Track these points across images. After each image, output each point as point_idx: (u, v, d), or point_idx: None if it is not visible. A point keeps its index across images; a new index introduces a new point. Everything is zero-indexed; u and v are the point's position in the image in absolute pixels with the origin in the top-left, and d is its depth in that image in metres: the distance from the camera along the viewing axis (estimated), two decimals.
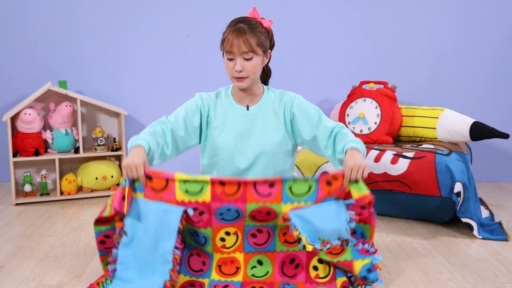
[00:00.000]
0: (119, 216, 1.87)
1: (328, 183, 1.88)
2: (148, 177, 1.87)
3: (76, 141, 3.33)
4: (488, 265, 2.21)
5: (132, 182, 1.89)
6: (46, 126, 3.35)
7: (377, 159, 2.77)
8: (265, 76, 2.26)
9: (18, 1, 3.52)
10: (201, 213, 1.90)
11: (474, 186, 2.78)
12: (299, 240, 1.83)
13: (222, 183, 1.85)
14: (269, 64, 2.24)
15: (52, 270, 2.16)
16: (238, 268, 1.98)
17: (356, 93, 3.28)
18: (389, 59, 3.65)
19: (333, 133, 2.07)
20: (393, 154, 2.78)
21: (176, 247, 1.82)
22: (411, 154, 2.75)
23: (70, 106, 3.27)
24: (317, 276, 1.96)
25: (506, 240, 2.51)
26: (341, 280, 1.93)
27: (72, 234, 2.61)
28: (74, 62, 3.60)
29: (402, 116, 3.23)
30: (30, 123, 3.17)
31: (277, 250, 1.99)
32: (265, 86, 2.23)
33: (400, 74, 3.65)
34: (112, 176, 3.33)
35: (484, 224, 2.65)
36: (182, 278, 1.96)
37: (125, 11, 3.57)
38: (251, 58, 2.05)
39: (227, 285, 1.94)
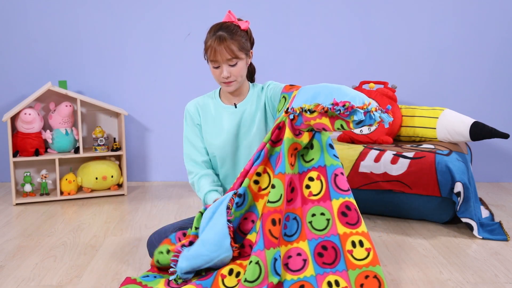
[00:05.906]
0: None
1: None
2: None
3: (76, 141, 3.33)
4: (488, 265, 2.21)
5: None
6: (46, 126, 3.35)
7: (377, 159, 2.77)
8: (250, 74, 2.29)
9: (18, 1, 3.52)
10: None
11: (474, 186, 2.78)
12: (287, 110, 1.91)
13: None
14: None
15: (52, 270, 2.16)
16: None
17: None
18: (389, 59, 3.65)
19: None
20: (393, 154, 2.78)
21: (228, 220, 1.97)
22: (411, 154, 2.75)
23: (70, 106, 3.27)
24: (310, 194, 1.96)
25: (506, 240, 2.51)
26: (337, 202, 1.92)
27: (72, 234, 2.61)
28: (74, 62, 3.60)
29: (402, 116, 3.23)
30: (30, 123, 3.17)
31: (286, 173, 1.95)
32: (250, 84, 2.26)
33: (400, 74, 3.65)
34: (112, 176, 3.33)
35: (484, 224, 2.65)
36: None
37: (125, 11, 3.57)
38: (235, 64, 2.08)
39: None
